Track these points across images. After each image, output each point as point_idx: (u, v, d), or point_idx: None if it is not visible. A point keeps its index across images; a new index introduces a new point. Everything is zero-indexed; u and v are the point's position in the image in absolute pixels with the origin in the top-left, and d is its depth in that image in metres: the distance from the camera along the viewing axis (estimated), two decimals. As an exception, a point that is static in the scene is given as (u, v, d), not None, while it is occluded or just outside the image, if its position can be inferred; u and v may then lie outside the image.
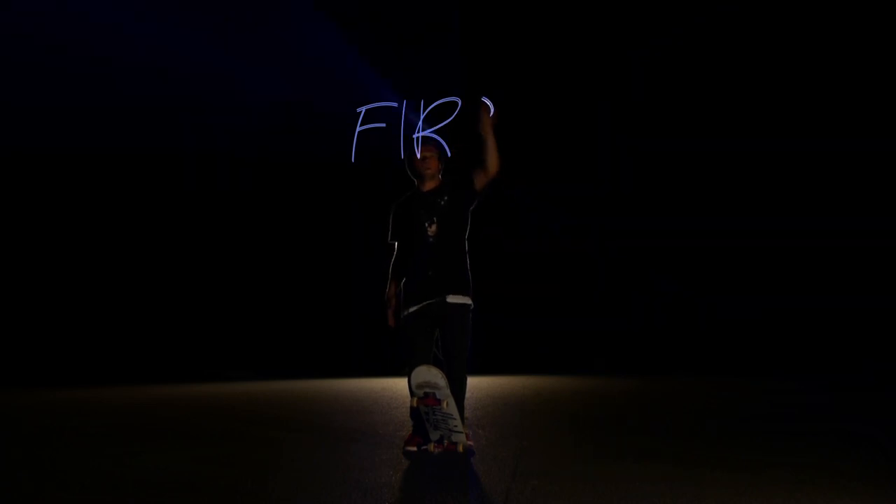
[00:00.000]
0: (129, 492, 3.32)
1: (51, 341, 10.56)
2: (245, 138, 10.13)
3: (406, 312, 4.18)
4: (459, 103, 4.31)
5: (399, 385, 7.72)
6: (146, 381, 9.55)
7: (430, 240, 4.17)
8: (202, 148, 10.03)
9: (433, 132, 4.30)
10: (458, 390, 4.06)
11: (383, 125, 4.44)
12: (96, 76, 9.15)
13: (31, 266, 10.42)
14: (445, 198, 4.22)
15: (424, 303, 4.12)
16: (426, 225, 4.17)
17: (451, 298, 4.11)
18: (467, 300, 4.18)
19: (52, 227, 10.42)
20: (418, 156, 4.27)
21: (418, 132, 4.31)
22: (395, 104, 4.41)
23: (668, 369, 9.91)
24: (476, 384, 7.60)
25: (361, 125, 4.47)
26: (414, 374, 3.95)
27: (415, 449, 4.06)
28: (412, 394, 4.00)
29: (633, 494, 3.07)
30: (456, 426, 3.95)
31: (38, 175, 10.24)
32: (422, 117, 4.34)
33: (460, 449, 3.98)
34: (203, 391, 8.41)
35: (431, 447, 4.03)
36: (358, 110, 4.48)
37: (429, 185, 4.29)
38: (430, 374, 3.90)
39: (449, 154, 4.36)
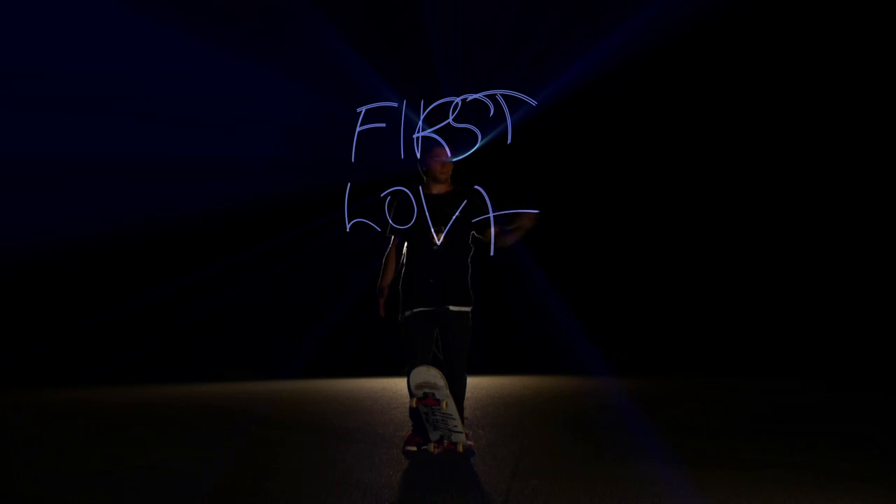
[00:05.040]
0: (129, 492, 3.32)
1: (50, 341, 10.57)
2: (258, 144, 10.16)
3: (405, 315, 4.18)
4: (459, 104, 4.30)
5: (399, 385, 7.72)
6: (146, 381, 9.56)
7: (434, 247, 4.15)
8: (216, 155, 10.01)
9: (433, 132, 4.29)
10: (458, 390, 4.05)
11: (383, 125, 4.43)
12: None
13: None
14: (458, 211, 4.15)
15: (424, 309, 4.12)
16: (433, 231, 4.15)
17: (452, 307, 4.11)
18: (468, 309, 4.17)
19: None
20: (429, 156, 4.25)
21: (418, 132, 4.30)
22: (395, 104, 4.40)
23: (668, 369, 9.91)
24: (476, 384, 7.59)
25: (361, 125, 4.45)
26: (413, 374, 3.95)
27: (415, 449, 4.06)
28: (411, 394, 4.00)
29: (633, 494, 3.07)
30: (456, 426, 3.95)
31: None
32: (422, 117, 4.33)
33: (460, 449, 3.98)
34: (203, 391, 8.41)
35: (431, 447, 4.03)
36: (358, 110, 4.47)
37: (439, 189, 4.26)
38: (429, 375, 3.89)
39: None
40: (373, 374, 9.83)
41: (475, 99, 4.27)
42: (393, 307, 4.24)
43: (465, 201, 4.19)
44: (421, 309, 4.11)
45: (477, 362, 4.97)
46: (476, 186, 4.23)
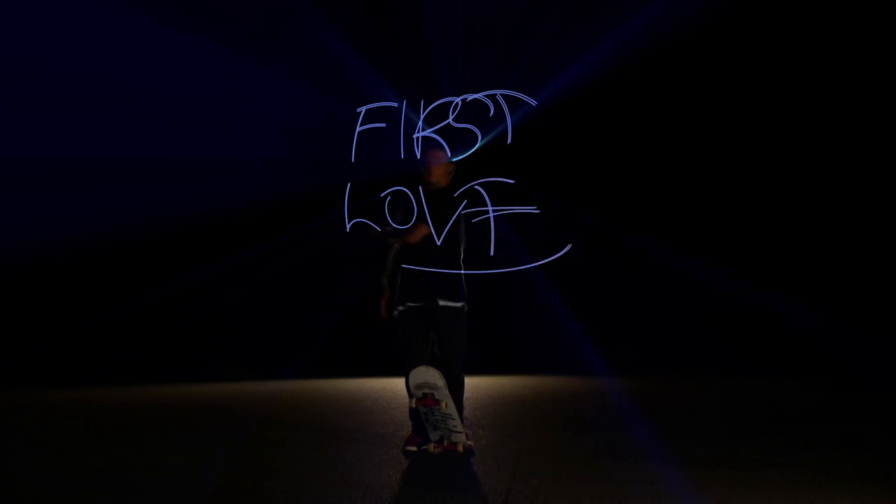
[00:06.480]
0: (129, 492, 3.32)
1: (50, 341, 10.57)
2: (257, 143, 10.18)
3: (398, 309, 4.19)
4: (459, 104, 4.30)
5: (399, 385, 7.72)
6: (146, 381, 9.55)
7: (431, 246, 4.16)
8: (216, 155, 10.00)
9: (433, 132, 4.30)
10: (456, 390, 4.06)
11: (383, 125, 4.43)
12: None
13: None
14: (453, 208, 4.17)
15: (416, 304, 4.12)
16: (432, 230, 4.15)
17: (443, 302, 4.11)
18: (459, 304, 4.17)
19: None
20: (427, 158, 4.26)
21: (418, 132, 4.31)
22: (395, 104, 4.41)
23: (668, 369, 9.90)
24: (476, 384, 7.59)
25: (361, 125, 4.46)
26: (412, 375, 3.95)
27: (415, 449, 4.06)
28: (411, 395, 4.00)
29: (633, 494, 3.07)
30: (455, 426, 3.95)
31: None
32: (422, 117, 4.33)
33: (460, 449, 3.98)
34: (203, 391, 8.41)
35: (431, 447, 4.03)
36: (358, 110, 4.47)
37: (440, 189, 4.27)
38: (428, 375, 3.90)
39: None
40: (373, 374, 9.83)
41: (475, 99, 4.27)
42: (394, 308, 4.25)
43: (465, 202, 4.20)
44: (413, 304, 4.12)
45: (476, 362, 4.96)
46: (476, 186, 4.24)
